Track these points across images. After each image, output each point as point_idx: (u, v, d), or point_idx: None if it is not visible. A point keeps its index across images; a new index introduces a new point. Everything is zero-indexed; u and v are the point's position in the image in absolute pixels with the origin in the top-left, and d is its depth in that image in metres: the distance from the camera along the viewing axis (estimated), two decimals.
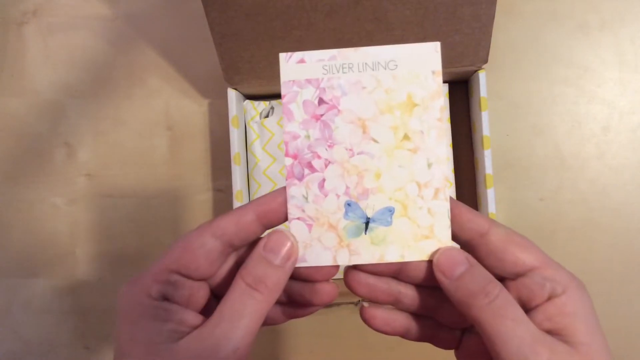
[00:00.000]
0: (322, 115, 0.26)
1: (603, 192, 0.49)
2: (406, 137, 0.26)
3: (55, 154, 0.54)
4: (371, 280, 0.27)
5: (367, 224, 0.26)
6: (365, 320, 0.28)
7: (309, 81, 0.26)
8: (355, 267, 0.27)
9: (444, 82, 0.48)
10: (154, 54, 0.54)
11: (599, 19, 0.50)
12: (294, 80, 0.26)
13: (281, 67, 0.26)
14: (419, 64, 0.26)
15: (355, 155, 0.26)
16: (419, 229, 0.26)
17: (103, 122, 0.54)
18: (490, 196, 0.44)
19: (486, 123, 0.45)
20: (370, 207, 0.26)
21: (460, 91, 0.50)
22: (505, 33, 0.51)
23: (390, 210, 0.26)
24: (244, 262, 0.25)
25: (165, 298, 0.24)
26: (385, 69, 0.26)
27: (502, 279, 0.25)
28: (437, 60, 0.25)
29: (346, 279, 0.27)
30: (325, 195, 0.26)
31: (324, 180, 0.26)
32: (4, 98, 0.55)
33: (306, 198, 0.26)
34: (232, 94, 0.47)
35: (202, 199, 0.52)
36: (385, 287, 0.27)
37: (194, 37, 0.53)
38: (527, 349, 0.22)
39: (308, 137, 0.26)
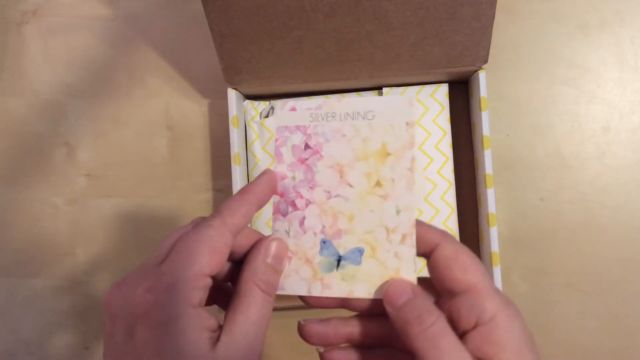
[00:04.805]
0: (306, 159, 0.29)
1: (603, 192, 0.49)
2: (378, 183, 0.27)
3: (55, 154, 0.54)
4: (320, 328, 0.28)
5: (338, 261, 0.28)
6: None
7: (298, 127, 0.29)
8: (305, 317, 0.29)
9: (444, 82, 0.48)
10: (154, 54, 0.53)
11: (599, 19, 0.50)
12: (286, 126, 0.29)
13: (276, 114, 0.29)
14: (394, 116, 0.27)
15: (332, 197, 0.28)
16: (385, 270, 0.27)
17: (103, 122, 0.54)
18: (490, 196, 0.44)
19: (486, 123, 0.45)
20: (343, 246, 0.28)
21: (460, 91, 0.50)
22: (505, 33, 0.51)
23: (360, 251, 0.28)
24: (250, 267, 0.26)
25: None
26: (364, 118, 0.28)
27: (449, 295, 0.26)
28: (411, 113, 0.27)
29: (300, 333, 0.29)
30: (305, 232, 0.28)
31: (304, 218, 0.28)
32: (4, 98, 0.55)
33: (288, 233, 0.28)
34: (232, 94, 0.47)
35: (202, 199, 0.52)
36: (334, 332, 0.28)
37: (194, 37, 0.53)
38: None
39: (294, 178, 0.29)
